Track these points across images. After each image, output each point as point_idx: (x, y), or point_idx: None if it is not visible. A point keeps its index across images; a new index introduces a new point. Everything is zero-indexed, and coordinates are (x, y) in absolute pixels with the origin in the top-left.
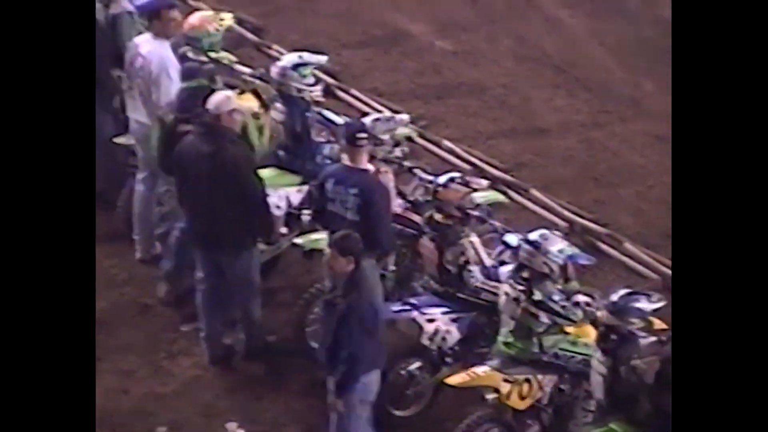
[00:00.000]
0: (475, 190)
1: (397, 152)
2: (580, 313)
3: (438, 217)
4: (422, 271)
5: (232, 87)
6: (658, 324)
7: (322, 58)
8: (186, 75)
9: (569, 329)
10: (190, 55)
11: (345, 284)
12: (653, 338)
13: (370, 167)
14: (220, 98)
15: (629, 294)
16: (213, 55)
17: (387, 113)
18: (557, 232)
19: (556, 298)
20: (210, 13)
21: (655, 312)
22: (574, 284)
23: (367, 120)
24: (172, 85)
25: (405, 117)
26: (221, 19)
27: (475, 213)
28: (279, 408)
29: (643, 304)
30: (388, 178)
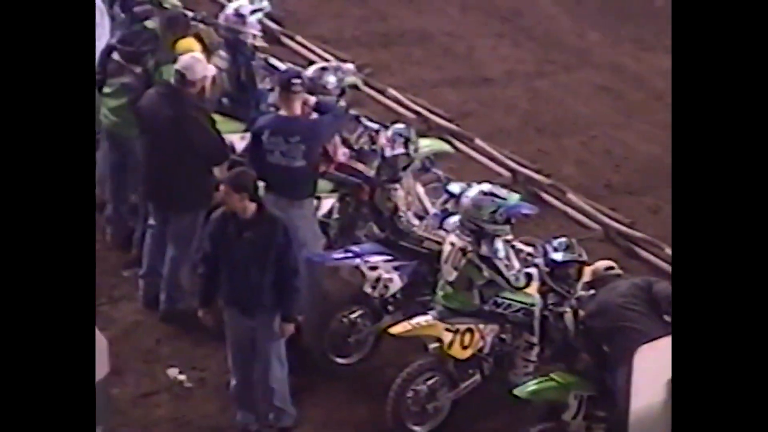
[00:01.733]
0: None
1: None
2: (522, 281)
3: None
4: (365, 220)
5: (173, 28)
6: (606, 264)
7: (264, 3)
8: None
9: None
10: None
11: (249, 223)
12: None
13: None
14: (193, 62)
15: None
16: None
17: (333, 62)
18: (498, 186)
19: (501, 255)
20: None
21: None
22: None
23: (313, 69)
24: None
25: (351, 66)
26: None
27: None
28: (220, 355)
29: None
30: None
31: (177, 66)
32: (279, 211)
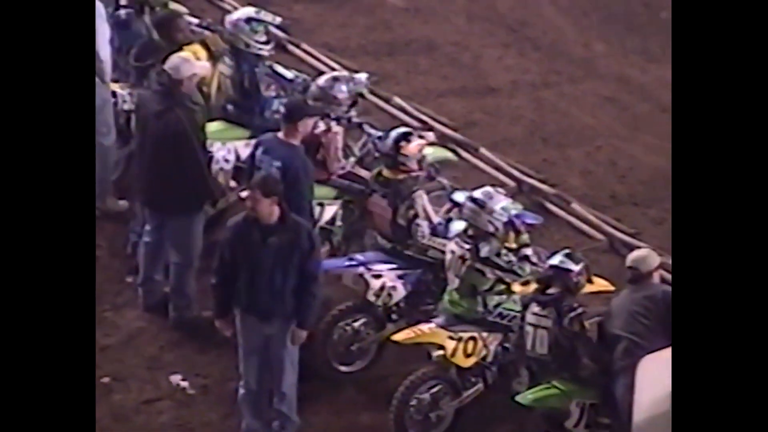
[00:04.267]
0: (431, 144)
1: (353, 113)
2: (528, 268)
3: (387, 173)
4: (371, 228)
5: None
6: (605, 285)
7: (277, 19)
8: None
9: (515, 288)
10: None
11: (274, 228)
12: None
13: (299, 143)
14: (179, 62)
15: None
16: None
17: (345, 73)
18: (501, 190)
19: (502, 252)
20: None
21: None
22: (525, 237)
23: (325, 78)
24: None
25: (363, 77)
26: None
27: (425, 170)
28: (223, 362)
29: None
30: (337, 139)
31: (165, 66)
32: None
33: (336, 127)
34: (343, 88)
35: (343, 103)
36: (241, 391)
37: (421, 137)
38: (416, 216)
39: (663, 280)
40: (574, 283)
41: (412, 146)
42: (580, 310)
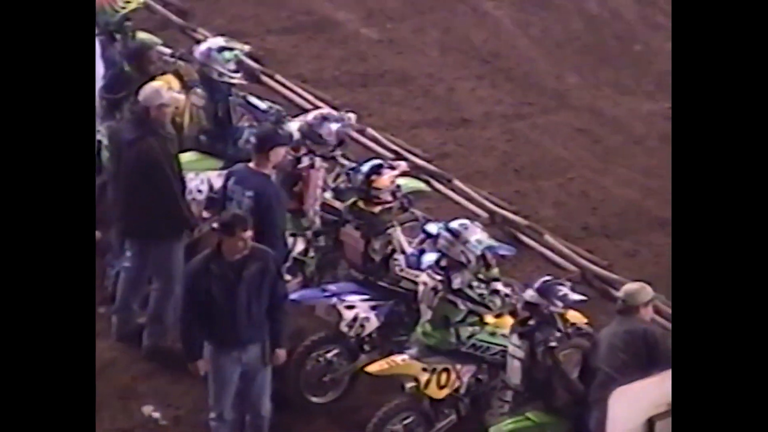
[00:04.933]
0: (404, 174)
1: (338, 153)
2: (498, 302)
3: (361, 204)
4: (344, 258)
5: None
6: (578, 318)
7: (245, 47)
8: None
9: (488, 319)
10: None
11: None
12: (570, 329)
13: (272, 172)
14: (150, 91)
15: (553, 282)
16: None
17: (334, 112)
18: (477, 223)
19: (474, 284)
20: None
21: (576, 305)
22: (495, 271)
23: (313, 115)
24: None
25: (352, 116)
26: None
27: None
28: (196, 392)
29: (567, 291)
30: (318, 176)
31: (139, 95)
32: None
33: (319, 163)
34: (332, 127)
35: (329, 143)
36: (213, 423)
37: (392, 167)
38: (394, 251)
39: (656, 315)
40: (550, 314)
41: (384, 179)
42: (553, 344)
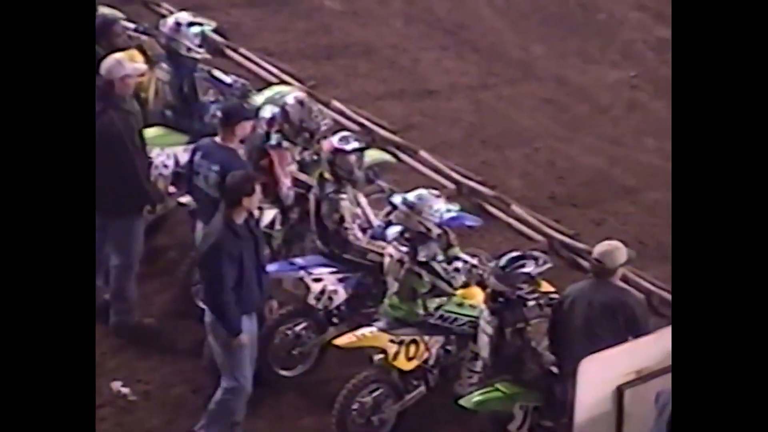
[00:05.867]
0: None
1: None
2: (460, 279)
3: (328, 176)
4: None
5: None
6: (546, 286)
7: (212, 23)
8: None
9: (458, 292)
10: None
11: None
12: (541, 300)
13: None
14: (111, 63)
15: (516, 258)
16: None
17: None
18: (435, 192)
19: (439, 258)
20: None
21: (542, 274)
22: (455, 250)
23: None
24: None
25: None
26: None
27: (362, 173)
28: (166, 368)
29: (530, 268)
30: (287, 155)
31: (99, 68)
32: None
33: (287, 144)
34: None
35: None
36: (229, 396)
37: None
38: (342, 219)
39: (625, 279)
40: (517, 297)
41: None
42: (521, 325)
